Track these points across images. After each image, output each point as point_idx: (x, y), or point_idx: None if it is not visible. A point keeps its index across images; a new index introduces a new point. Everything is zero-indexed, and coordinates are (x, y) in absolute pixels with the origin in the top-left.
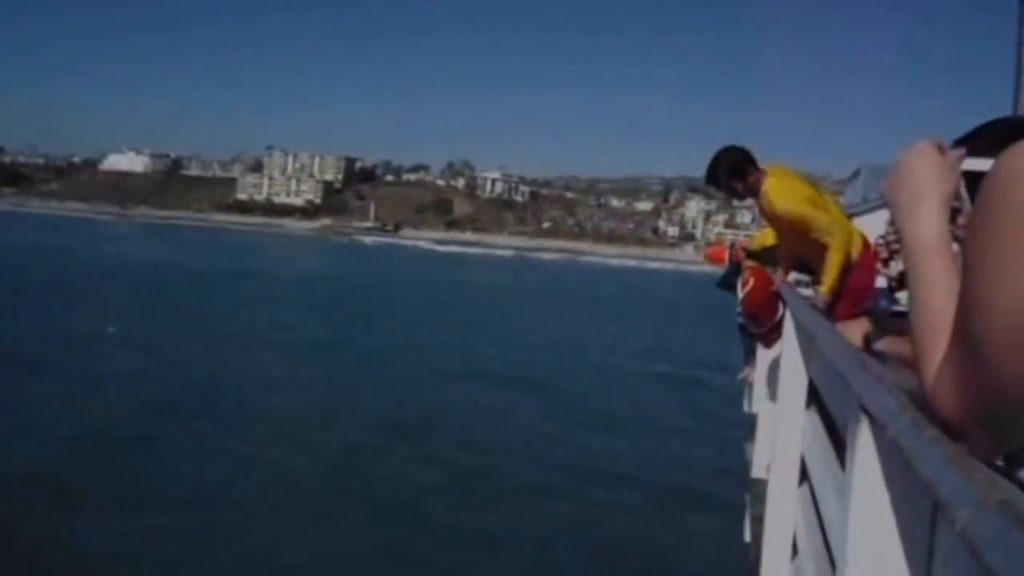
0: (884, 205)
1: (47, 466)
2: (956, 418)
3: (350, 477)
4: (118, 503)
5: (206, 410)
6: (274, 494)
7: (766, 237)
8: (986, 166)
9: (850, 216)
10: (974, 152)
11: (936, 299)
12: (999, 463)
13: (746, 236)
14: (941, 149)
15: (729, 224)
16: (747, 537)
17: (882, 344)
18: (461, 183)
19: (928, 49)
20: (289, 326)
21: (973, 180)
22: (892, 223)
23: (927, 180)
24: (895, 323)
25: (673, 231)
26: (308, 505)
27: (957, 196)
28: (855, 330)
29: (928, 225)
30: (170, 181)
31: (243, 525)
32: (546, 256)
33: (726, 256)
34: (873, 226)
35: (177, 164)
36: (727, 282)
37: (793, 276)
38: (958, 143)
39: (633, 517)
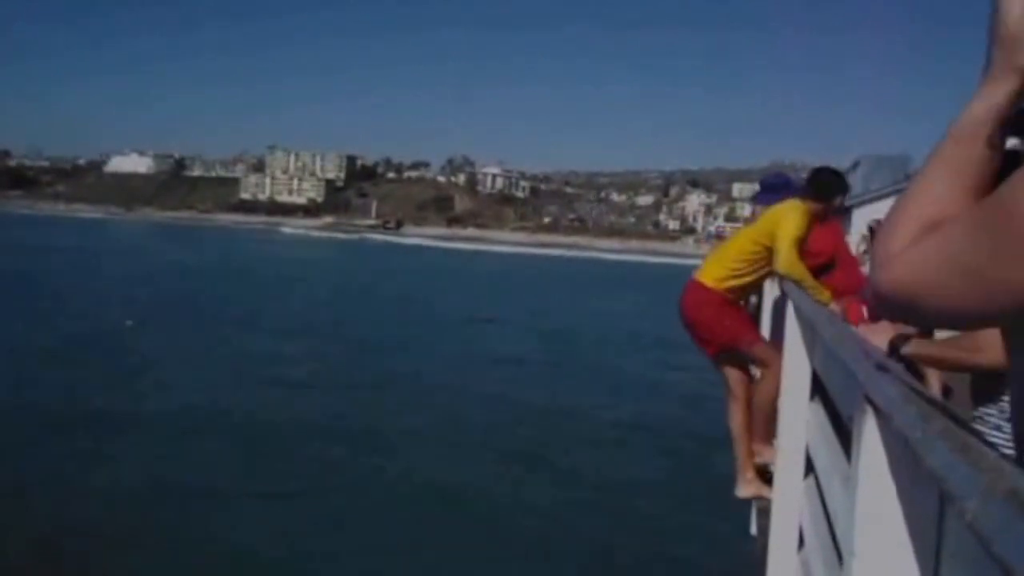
0: (884, 196)
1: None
2: (891, 288)
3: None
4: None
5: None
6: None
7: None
8: None
9: (851, 207)
10: None
11: (934, 188)
12: (1012, 453)
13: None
14: None
15: (729, 217)
16: (753, 529)
17: (910, 348)
18: (461, 179)
19: (929, 39)
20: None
21: None
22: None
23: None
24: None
25: (674, 224)
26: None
27: None
28: (880, 335)
29: (984, 99)
30: (174, 182)
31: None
32: (559, 252)
33: None
34: (873, 216)
35: (180, 165)
36: None
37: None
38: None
39: (638, 509)
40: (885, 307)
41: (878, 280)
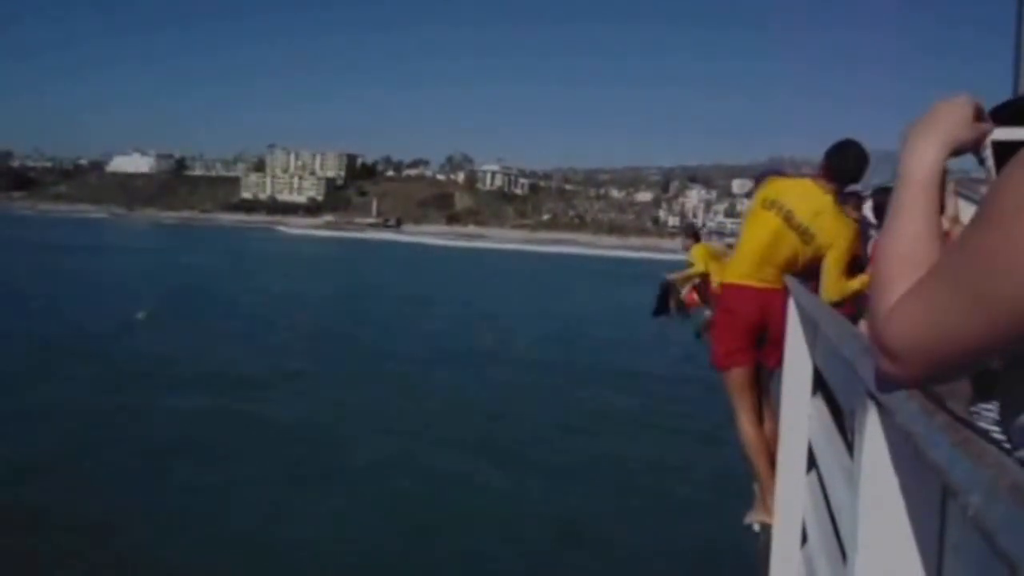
0: (884, 192)
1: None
2: (900, 346)
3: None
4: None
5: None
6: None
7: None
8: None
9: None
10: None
11: (912, 228)
12: (1007, 447)
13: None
14: (978, 109)
15: (729, 213)
16: (756, 526)
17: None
18: (461, 177)
19: (929, 35)
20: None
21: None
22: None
23: (940, 122)
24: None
25: (674, 221)
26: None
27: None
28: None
29: (922, 160)
30: (175, 181)
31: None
32: (559, 249)
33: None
34: (869, 213)
35: (182, 164)
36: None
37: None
38: (993, 113)
39: (642, 507)
40: (902, 367)
41: (887, 337)
